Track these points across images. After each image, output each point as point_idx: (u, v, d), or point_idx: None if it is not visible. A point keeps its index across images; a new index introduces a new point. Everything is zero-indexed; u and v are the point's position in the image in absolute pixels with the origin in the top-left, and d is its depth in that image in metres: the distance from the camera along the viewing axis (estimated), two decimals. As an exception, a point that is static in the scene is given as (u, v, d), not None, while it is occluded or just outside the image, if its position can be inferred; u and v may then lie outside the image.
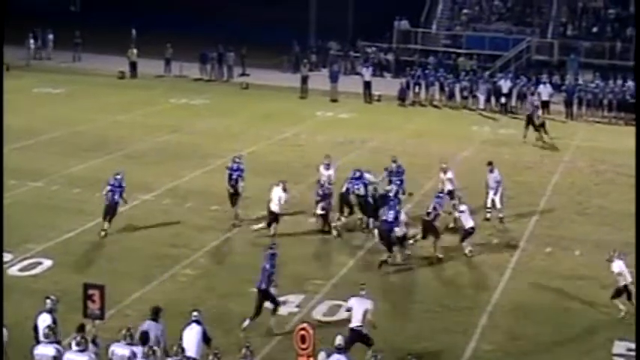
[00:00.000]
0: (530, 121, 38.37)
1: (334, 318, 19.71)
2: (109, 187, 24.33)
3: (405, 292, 21.77)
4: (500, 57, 54.21)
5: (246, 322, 18.82)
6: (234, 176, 25.75)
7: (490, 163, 27.38)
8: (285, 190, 24.82)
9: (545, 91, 45.59)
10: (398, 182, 25.89)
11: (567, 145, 38.10)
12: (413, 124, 41.43)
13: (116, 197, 24.29)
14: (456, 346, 18.66)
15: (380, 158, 33.69)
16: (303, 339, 15.83)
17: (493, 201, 26.75)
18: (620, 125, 43.89)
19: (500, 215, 26.65)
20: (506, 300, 21.13)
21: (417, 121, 42.30)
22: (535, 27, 56.59)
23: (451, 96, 47.26)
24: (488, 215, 26.72)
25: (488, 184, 26.95)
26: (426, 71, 48.81)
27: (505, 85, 45.88)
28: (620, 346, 18.80)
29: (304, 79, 47.69)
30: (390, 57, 56.16)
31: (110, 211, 24.28)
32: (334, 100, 46.43)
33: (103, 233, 24.05)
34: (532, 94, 46.24)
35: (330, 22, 56.82)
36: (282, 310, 19.87)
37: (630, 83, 47.80)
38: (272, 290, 19.18)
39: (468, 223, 23.60)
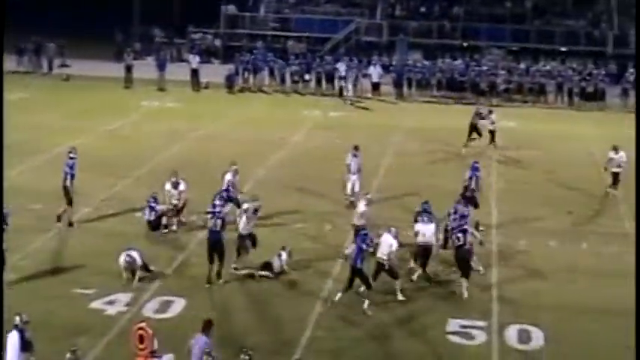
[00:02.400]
0: (474, 128, 33.75)
1: (165, 315, 18.99)
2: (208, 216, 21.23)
3: (239, 284, 21.08)
4: (330, 39, 54.24)
5: (339, 295, 19.58)
6: (69, 171, 24.34)
7: (356, 148, 27.01)
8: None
9: (375, 72, 45.82)
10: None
11: (398, 126, 38.25)
12: (242, 111, 40.90)
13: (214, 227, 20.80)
14: (290, 335, 18.24)
15: (209, 147, 33.12)
16: (141, 339, 15.46)
17: (353, 186, 26.39)
18: (449, 104, 44.52)
19: (352, 199, 26.22)
20: (341, 286, 20.70)
21: (247, 108, 41.81)
22: (364, 8, 56.92)
23: (282, 81, 46.96)
24: (352, 199, 26.14)
25: (350, 169, 26.45)
26: (253, 56, 48.27)
27: (342, 67, 45.82)
28: (454, 324, 18.85)
29: (128, 68, 46.48)
30: (218, 43, 55.40)
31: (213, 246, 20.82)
32: (162, 89, 45.42)
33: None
34: (364, 76, 46.44)
35: (155, 9, 55.63)
36: (111, 310, 19.12)
37: (458, 62, 48.65)
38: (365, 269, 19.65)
39: None
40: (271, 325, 18.75)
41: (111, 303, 19.49)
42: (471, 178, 25.76)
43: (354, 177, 26.42)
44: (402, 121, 39.32)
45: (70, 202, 24.45)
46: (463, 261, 20.45)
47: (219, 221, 20.74)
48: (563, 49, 53.67)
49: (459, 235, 20.52)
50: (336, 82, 45.82)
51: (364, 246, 19.60)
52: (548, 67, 48.17)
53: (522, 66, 49.01)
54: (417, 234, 21.36)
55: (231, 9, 56.42)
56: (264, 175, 28.29)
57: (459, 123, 35.52)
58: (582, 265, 22.50)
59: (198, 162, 30.04)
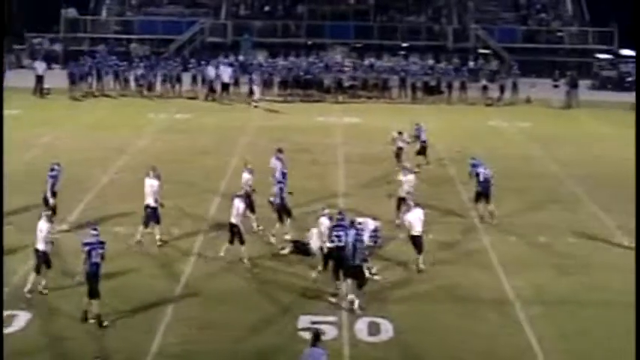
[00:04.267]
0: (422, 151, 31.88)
1: (10, 329, 18.22)
2: (86, 248, 18.51)
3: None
4: (174, 41, 53.88)
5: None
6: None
7: (280, 150, 26.67)
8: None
9: (225, 72, 45.68)
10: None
11: (245, 126, 38.22)
12: (86, 117, 40.13)
13: (95, 259, 18.51)
14: (139, 344, 17.78)
15: (53, 155, 32.23)
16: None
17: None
18: (295, 102, 44.77)
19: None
20: (193, 289, 20.51)
21: (91, 113, 41.08)
22: (208, 9, 56.80)
23: (127, 84, 46.41)
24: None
25: (275, 172, 25.57)
26: (96, 60, 47.50)
27: (226, 72, 45.49)
28: (304, 321, 18.85)
29: (-37, 77, 44.97)
30: (58, 47, 54.21)
31: (94, 280, 18.57)
32: None
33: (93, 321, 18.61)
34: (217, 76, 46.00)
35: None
36: None
37: (302, 60, 49.18)
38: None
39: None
40: (121, 331, 18.34)
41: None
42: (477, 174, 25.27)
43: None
44: (250, 121, 39.31)
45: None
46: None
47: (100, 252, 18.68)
48: (405, 44, 54.78)
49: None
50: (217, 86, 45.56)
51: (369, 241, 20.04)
52: (391, 63, 49.12)
53: (366, 62, 49.83)
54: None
55: (72, 12, 55.42)
56: (109, 181, 27.70)
57: (306, 121, 35.72)
58: (433, 255, 22.79)
59: (41, 171, 29.20)
